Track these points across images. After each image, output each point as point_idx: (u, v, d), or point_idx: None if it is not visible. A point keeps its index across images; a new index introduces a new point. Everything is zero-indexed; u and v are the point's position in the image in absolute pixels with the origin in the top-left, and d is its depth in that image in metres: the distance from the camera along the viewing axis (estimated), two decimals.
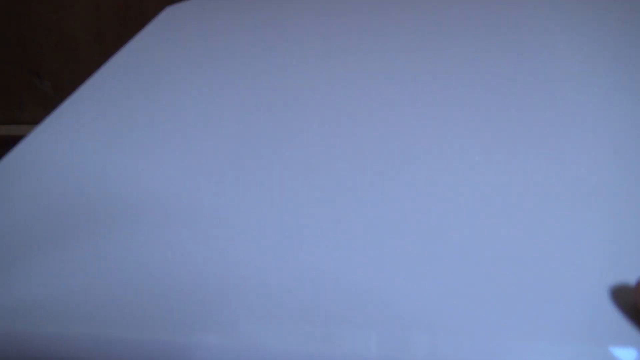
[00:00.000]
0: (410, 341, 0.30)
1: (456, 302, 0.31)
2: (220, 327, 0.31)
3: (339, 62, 0.61)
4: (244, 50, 0.65)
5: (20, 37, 1.51)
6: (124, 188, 0.42)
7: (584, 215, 0.37)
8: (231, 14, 0.77)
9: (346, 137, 0.46)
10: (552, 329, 0.30)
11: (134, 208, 0.40)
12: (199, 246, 0.36)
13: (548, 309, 0.30)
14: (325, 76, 0.58)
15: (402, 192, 0.39)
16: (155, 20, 0.70)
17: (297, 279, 0.33)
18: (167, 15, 0.73)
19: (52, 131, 0.51)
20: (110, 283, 0.34)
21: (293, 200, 0.39)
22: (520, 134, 0.45)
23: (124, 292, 0.33)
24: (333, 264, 0.34)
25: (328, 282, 0.33)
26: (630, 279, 0.32)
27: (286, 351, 0.30)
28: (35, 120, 1.70)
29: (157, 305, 0.33)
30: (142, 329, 0.31)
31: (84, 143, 0.48)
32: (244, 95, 0.55)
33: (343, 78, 0.57)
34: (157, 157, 0.45)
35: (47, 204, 0.41)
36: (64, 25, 1.48)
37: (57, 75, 1.53)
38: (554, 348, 0.29)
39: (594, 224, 0.36)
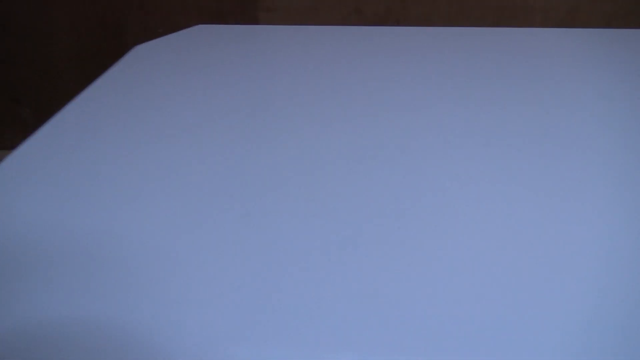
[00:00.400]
0: None
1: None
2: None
3: (318, 101, 0.62)
4: (212, 90, 0.67)
5: (0, 65, 1.56)
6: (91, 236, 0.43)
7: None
8: (199, 53, 0.80)
9: (343, 195, 0.47)
10: None
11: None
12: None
13: None
14: (301, 112, 0.59)
15: (396, 257, 0.41)
16: (122, 60, 0.73)
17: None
18: (134, 54, 0.76)
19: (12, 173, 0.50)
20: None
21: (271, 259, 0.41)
22: (522, 191, 0.48)
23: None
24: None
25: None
26: None
27: None
28: (14, 146, 1.73)
29: None
30: None
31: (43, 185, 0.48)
32: (215, 134, 0.56)
33: (326, 124, 0.58)
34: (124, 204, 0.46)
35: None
36: (45, 53, 1.54)
37: (37, 102, 1.58)
38: None
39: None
